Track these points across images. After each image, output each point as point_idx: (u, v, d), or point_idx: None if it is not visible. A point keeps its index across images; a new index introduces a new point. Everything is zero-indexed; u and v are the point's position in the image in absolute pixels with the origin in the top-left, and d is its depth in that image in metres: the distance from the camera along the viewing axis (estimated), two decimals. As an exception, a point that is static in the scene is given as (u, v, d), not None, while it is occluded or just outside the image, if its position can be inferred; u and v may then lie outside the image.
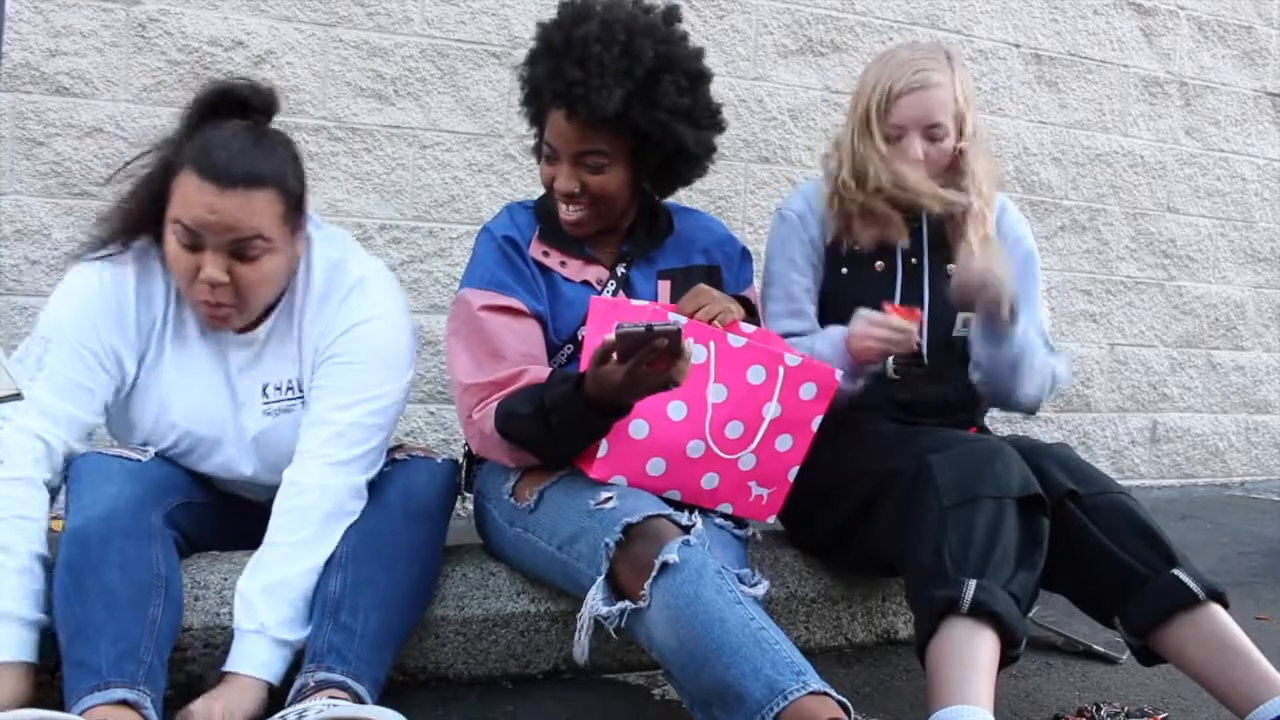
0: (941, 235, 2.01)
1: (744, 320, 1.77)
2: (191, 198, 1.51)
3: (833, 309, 2.00)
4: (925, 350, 1.99)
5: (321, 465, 1.62)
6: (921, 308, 1.98)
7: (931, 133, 1.95)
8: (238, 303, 1.59)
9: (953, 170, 2.00)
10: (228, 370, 1.68)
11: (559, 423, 1.58)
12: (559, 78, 1.71)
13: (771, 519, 1.79)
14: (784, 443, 1.72)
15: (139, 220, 1.61)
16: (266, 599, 1.53)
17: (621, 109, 1.69)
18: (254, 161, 1.54)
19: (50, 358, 1.57)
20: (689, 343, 1.48)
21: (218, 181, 1.51)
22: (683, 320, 1.57)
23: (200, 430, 1.69)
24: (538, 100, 1.82)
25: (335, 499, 1.61)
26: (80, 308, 1.60)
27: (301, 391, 1.69)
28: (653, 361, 1.44)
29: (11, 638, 1.42)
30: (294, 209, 1.61)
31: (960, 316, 1.99)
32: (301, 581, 1.55)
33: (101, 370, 1.61)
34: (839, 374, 1.73)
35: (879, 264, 2.01)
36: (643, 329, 1.39)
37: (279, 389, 1.69)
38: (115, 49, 2.64)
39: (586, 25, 1.71)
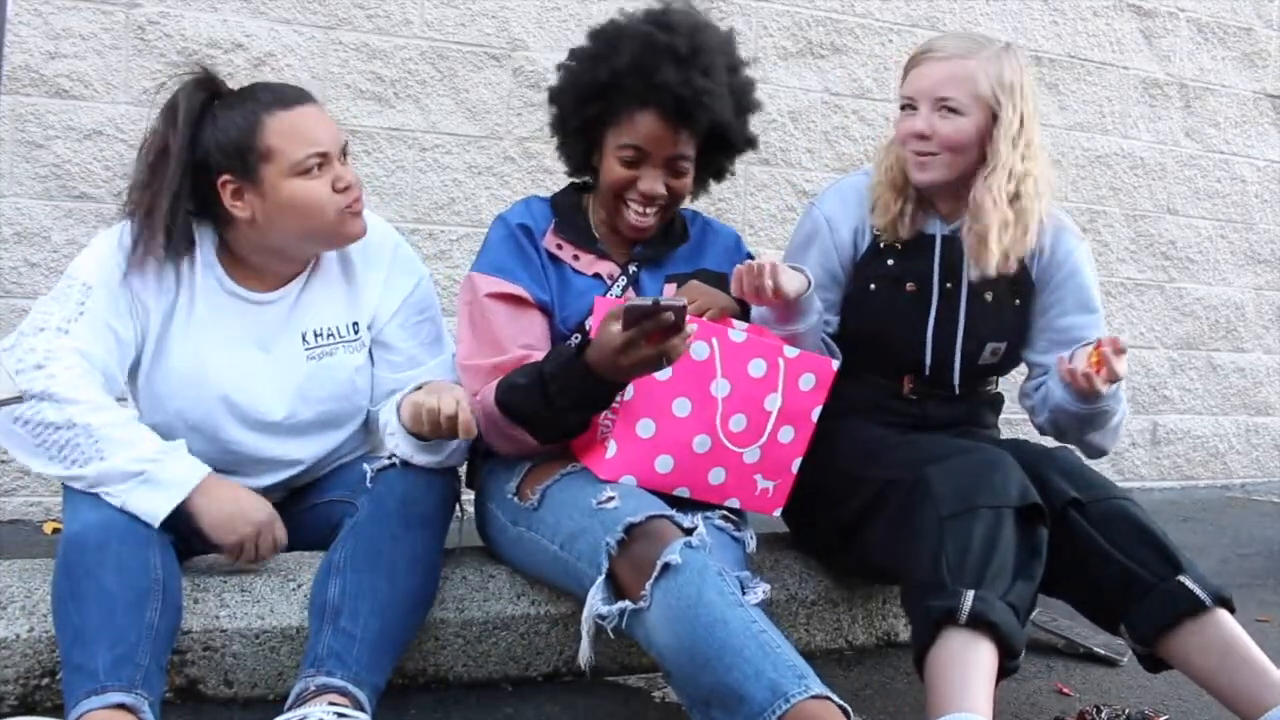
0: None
1: (737, 316, 1.81)
2: (298, 125, 1.68)
3: (853, 320, 1.95)
4: (957, 378, 1.94)
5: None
6: (956, 333, 1.91)
7: (942, 105, 1.81)
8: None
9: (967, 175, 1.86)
10: (261, 328, 1.74)
11: (557, 391, 1.61)
12: (685, 85, 1.71)
13: (776, 512, 1.80)
14: (786, 434, 1.73)
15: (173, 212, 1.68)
16: None
17: (732, 117, 1.79)
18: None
19: (92, 301, 1.62)
20: (691, 327, 1.52)
21: (303, 103, 1.71)
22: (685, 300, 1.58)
23: (232, 391, 1.71)
24: (606, 99, 1.76)
25: None
26: (118, 256, 1.66)
27: (350, 335, 1.80)
28: (651, 335, 1.48)
29: (190, 458, 1.59)
30: None
31: (989, 346, 1.93)
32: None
33: (130, 317, 1.66)
34: (835, 363, 1.74)
35: (910, 285, 1.92)
36: (649, 302, 1.46)
37: (319, 334, 1.78)
38: (115, 51, 2.64)
39: (705, 35, 1.77)
